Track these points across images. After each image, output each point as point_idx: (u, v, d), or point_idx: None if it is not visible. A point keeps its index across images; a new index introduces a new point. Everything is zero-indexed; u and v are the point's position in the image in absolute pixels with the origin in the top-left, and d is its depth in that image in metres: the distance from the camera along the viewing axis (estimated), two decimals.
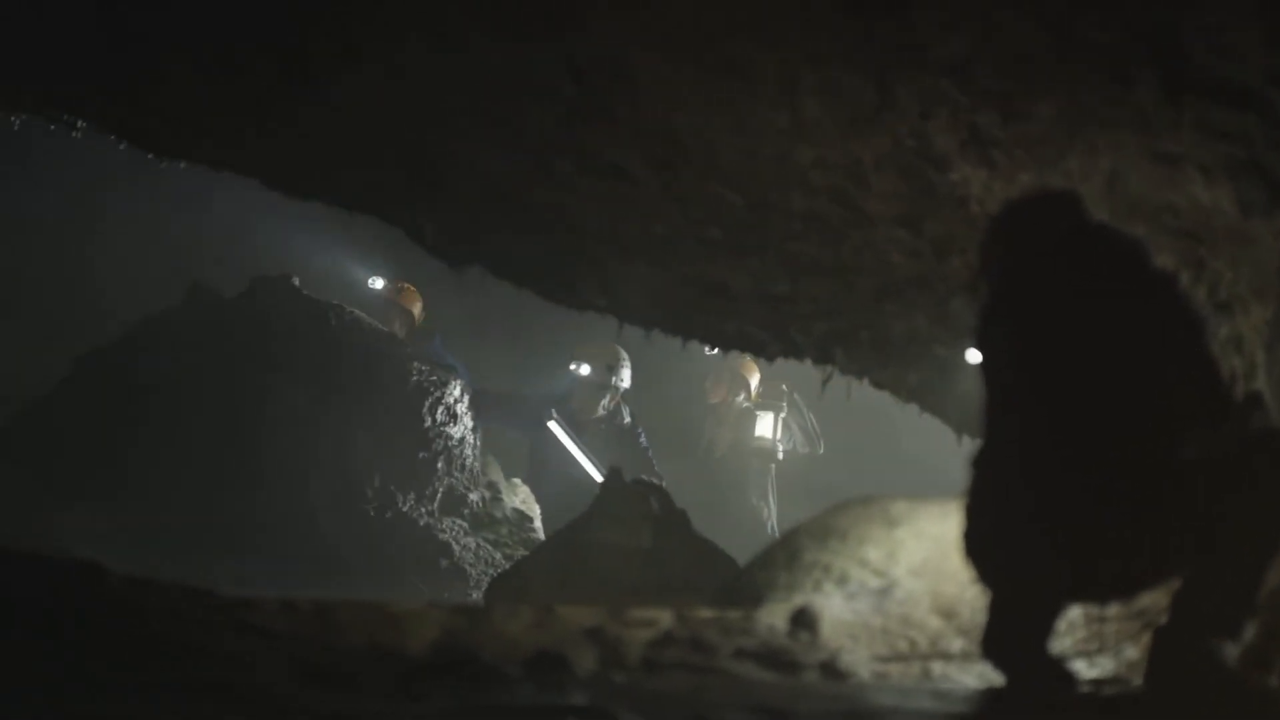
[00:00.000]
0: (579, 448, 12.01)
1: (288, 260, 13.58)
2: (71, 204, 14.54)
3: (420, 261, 13.64)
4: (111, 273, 14.52)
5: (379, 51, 6.56)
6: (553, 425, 12.03)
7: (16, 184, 14.14)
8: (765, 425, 13.62)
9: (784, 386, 13.71)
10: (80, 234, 14.78)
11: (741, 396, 13.78)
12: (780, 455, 13.69)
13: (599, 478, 11.48)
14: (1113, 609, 5.38)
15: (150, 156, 8.35)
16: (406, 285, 13.11)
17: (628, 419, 12.45)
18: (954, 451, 6.93)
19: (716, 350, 12.82)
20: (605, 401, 12.36)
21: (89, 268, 14.64)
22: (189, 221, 14.69)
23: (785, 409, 13.72)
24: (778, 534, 12.98)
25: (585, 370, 12.16)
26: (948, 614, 5.70)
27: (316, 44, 6.62)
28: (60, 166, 12.84)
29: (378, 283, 13.22)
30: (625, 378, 12.35)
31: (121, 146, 8.43)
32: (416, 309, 13.02)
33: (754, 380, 13.80)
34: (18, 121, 9.22)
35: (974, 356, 5.85)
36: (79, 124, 8.69)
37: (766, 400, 13.80)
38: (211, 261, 13.78)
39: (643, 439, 12.32)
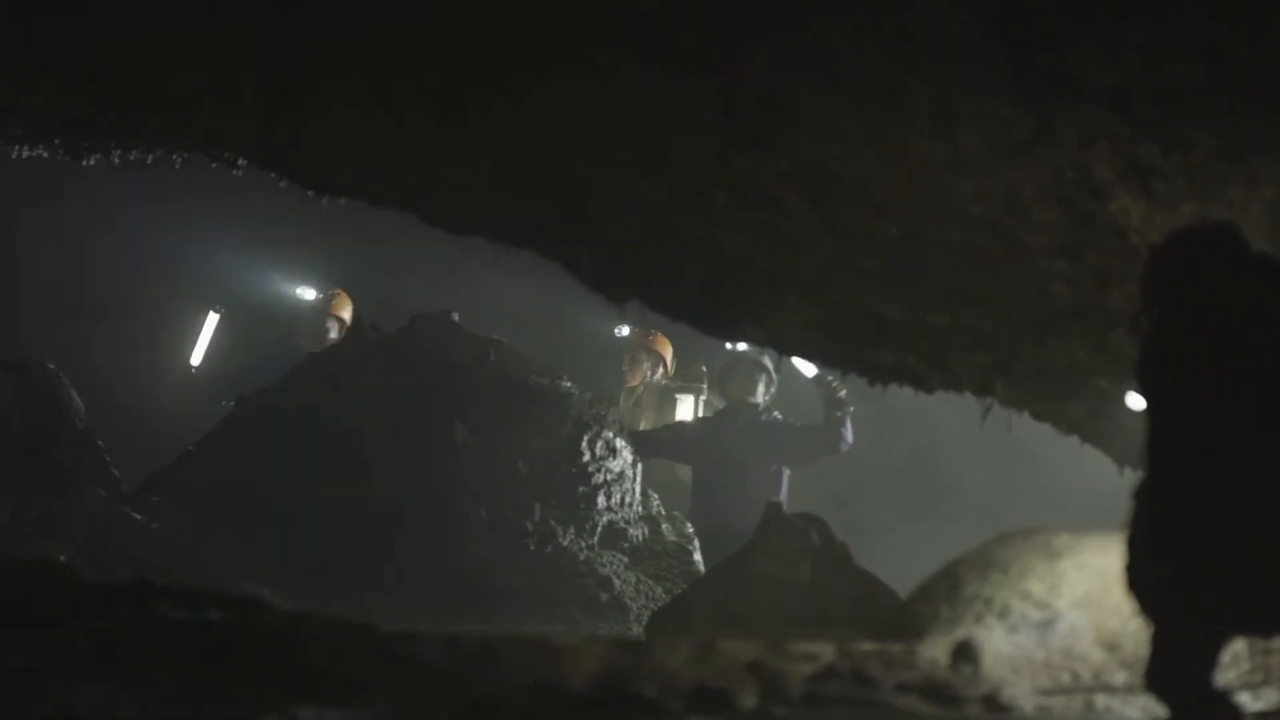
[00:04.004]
0: None
1: (212, 275, 14.11)
2: None
3: (345, 269, 14.00)
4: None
5: (535, 86, 6.61)
6: None
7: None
8: (685, 408, 13.29)
9: (703, 367, 13.47)
10: None
11: (660, 373, 13.57)
12: None
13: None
14: (1278, 641, 5.32)
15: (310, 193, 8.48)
16: (338, 292, 13.34)
17: (779, 417, 12.45)
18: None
19: (627, 330, 12.78)
20: (763, 387, 12.33)
21: None
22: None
23: (705, 390, 13.46)
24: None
25: (743, 345, 12.02)
26: (1111, 646, 5.66)
27: (473, 81, 6.69)
28: None
29: (309, 293, 13.51)
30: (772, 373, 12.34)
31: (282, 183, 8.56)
32: (347, 314, 13.36)
33: (668, 354, 13.58)
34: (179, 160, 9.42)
35: (1136, 398, 5.80)
36: (239, 162, 8.85)
37: (685, 382, 13.52)
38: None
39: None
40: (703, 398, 13.35)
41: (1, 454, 10.47)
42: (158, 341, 14.59)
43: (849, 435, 12.11)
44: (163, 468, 11.31)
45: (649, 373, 13.50)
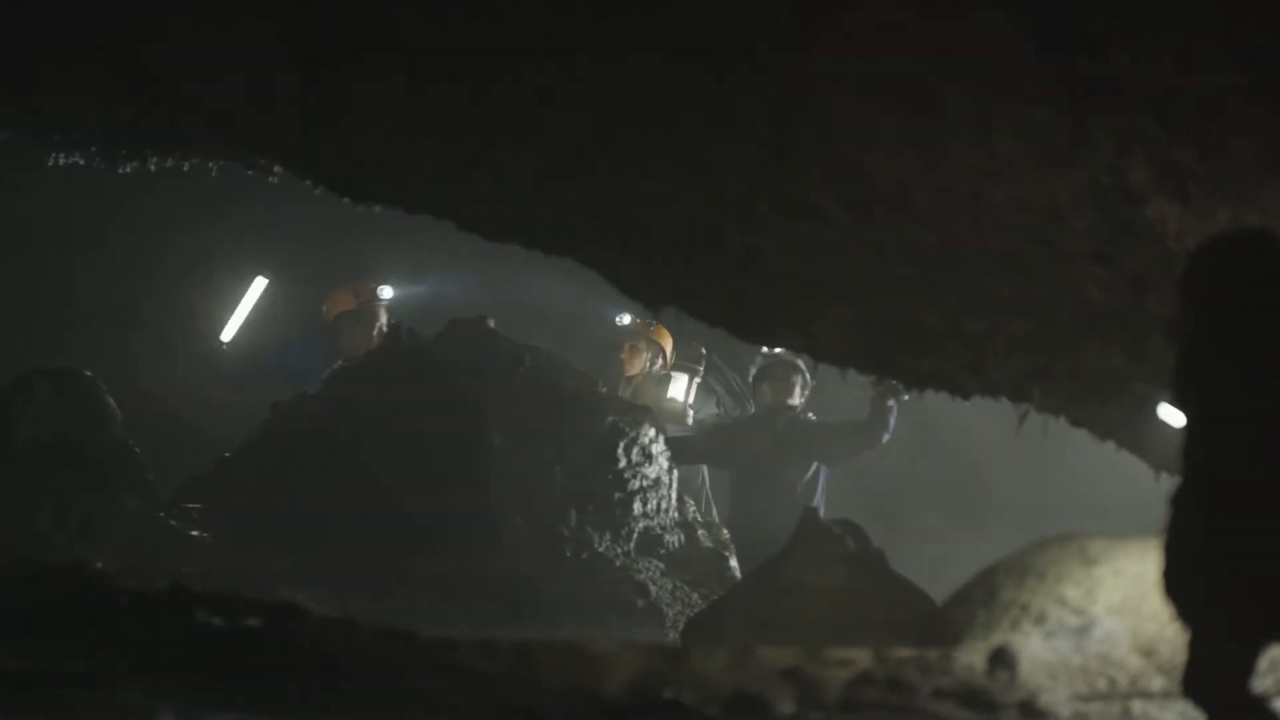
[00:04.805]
0: None
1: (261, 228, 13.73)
2: None
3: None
4: None
5: (577, 95, 6.62)
6: None
7: None
8: (678, 388, 13.09)
9: (702, 349, 13.35)
10: None
11: (659, 363, 13.39)
12: (690, 419, 13.09)
13: None
14: None
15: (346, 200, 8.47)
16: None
17: (813, 418, 12.43)
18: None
19: (627, 319, 12.73)
20: (800, 388, 12.30)
21: None
22: None
23: (701, 371, 13.32)
24: (711, 496, 13.00)
25: (779, 349, 11.94)
26: (1148, 652, 5.65)
27: (516, 88, 6.70)
28: None
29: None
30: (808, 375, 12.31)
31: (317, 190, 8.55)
32: (668, 345, 13.24)
33: (668, 345, 13.42)
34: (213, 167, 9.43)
35: (1171, 409, 5.79)
36: (274, 169, 8.86)
37: (680, 362, 13.33)
38: None
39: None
40: (697, 379, 13.24)
41: (40, 461, 10.51)
42: (193, 316, 13.70)
43: (891, 426, 12.05)
44: (200, 474, 11.33)
45: (649, 363, 13.40)
